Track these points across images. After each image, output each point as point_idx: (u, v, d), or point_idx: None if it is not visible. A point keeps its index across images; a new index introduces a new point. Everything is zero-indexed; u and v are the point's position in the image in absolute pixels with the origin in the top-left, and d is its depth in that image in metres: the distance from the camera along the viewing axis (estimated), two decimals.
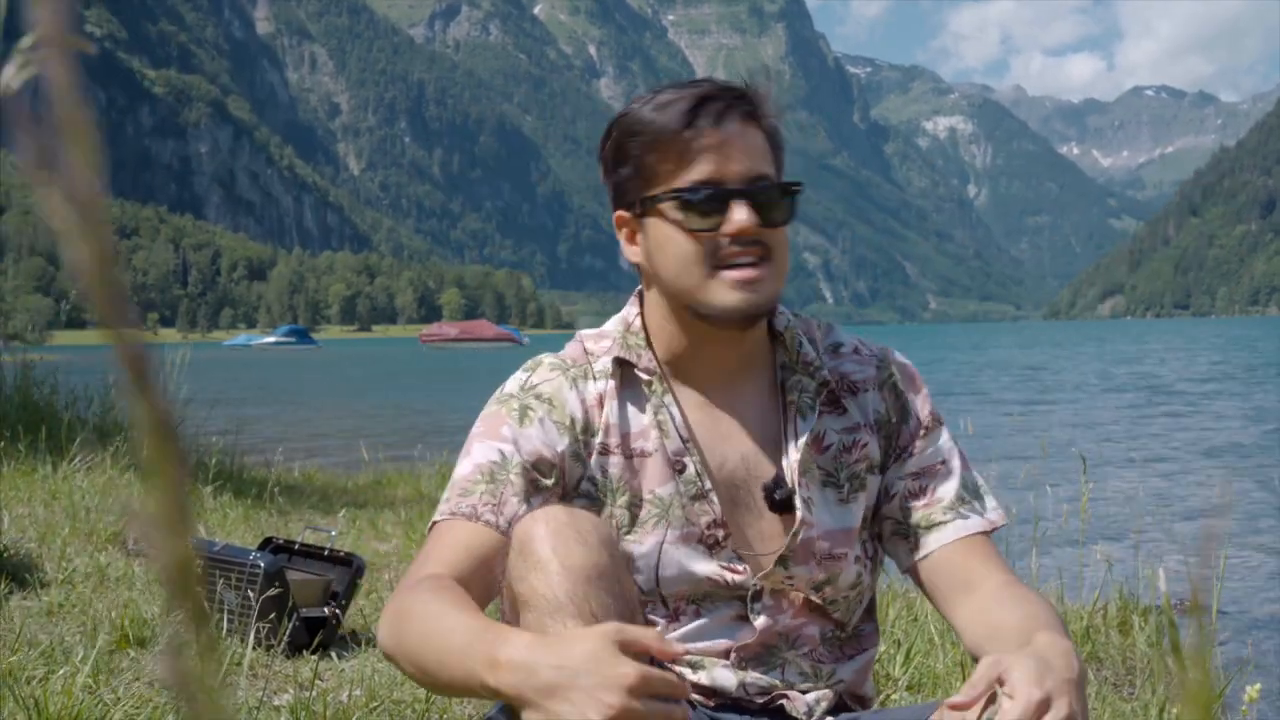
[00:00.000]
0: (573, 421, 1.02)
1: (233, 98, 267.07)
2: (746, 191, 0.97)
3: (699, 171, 0.98)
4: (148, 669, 1.68)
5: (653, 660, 0.83)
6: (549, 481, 1.00)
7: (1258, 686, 1.67)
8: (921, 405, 1.08)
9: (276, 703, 1.62)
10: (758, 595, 1.02)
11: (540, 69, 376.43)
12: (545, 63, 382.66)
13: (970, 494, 1.07)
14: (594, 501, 1.01)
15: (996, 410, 11.56)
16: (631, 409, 1.03)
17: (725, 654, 1.02)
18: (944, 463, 1.07)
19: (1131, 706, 1.91)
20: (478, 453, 1.00)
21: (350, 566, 2.16)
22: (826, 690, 1.04)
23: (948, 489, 1.06)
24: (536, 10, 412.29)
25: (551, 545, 0.86)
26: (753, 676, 1.02)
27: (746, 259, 0.98)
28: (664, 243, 1.00)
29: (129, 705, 1.44)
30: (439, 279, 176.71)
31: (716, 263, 0.98)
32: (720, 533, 1.01)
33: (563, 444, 1.01)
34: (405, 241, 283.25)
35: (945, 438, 1.08)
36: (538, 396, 1.02)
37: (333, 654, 1.99)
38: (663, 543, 1.00)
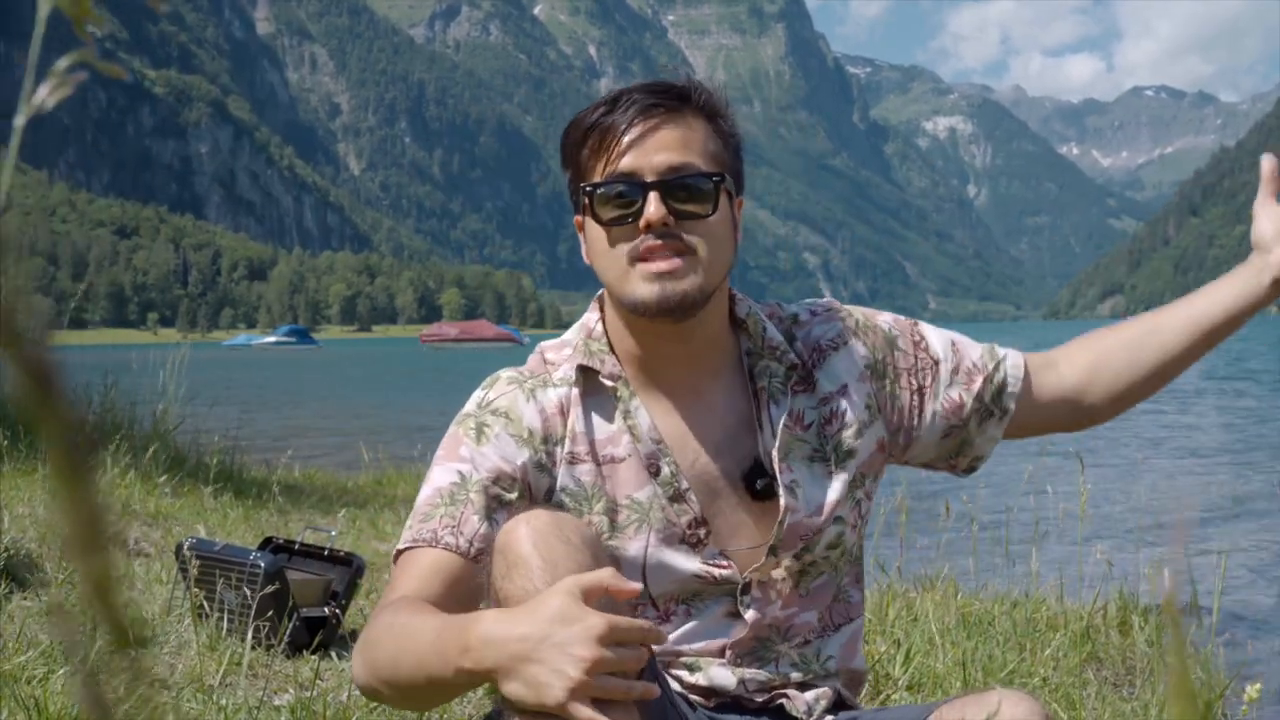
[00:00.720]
0: (530, 433, 1.00)
1: (233, 98, 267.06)
2: (658, 184, 0.95)
3: (617, 164, 0.96)
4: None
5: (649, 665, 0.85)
6: (512, 496, 0.98)
7: (1258, 686, 1.67)
8: (896, 323, 1.09)
9: (277, 702, 1.62)
10: (746, 589, 1.01)
11: (540, 69, 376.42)
12: (545, 63, 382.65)
13: (982, 344, 1.11)
14: (569, 512, 1.00)
15: None
16: (597, 416, 1.02)
17: (720, 652, 1.01)
18: (951, 343, 1.09)
19: (1131, 706, 1.91)
20: (437, 476, 0.99)
21: (350, 566, 2.16)
22: (825, 689, 1.04)
23: (974, 354, 1.09)
24: (536, 11, 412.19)
25: (533, 543, 0.86)
26: (750, 673, 1.01)
27: (658, 253, 0.96)
28: (593, 239, 1.00)
29: (130, 705, 1.67)
30: (439, 279, 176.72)
31: (635, 255, 0.96)
32: (702, 531, 1.01)
33: (522, 456, 0.99)
34: (405, 241, 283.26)
35: (931, 327, 1.11)
36: (494, 412, 1.01)
37: (333, 654, 1.99)
38: (646, 546, 0.99)
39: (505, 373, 1.04)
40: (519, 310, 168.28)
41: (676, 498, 1.00)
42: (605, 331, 1.04)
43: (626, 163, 0.96)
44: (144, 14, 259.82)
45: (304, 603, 2.03)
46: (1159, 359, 1.07)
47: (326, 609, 2.07)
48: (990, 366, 1.08)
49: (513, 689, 0.79)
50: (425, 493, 0.99)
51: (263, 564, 1.97)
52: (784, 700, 1.02)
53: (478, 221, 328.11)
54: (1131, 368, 1.07)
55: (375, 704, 1.63)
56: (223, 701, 1.54)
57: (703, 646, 1.01)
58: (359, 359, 44.21)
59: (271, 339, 70.09)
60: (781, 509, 1.01)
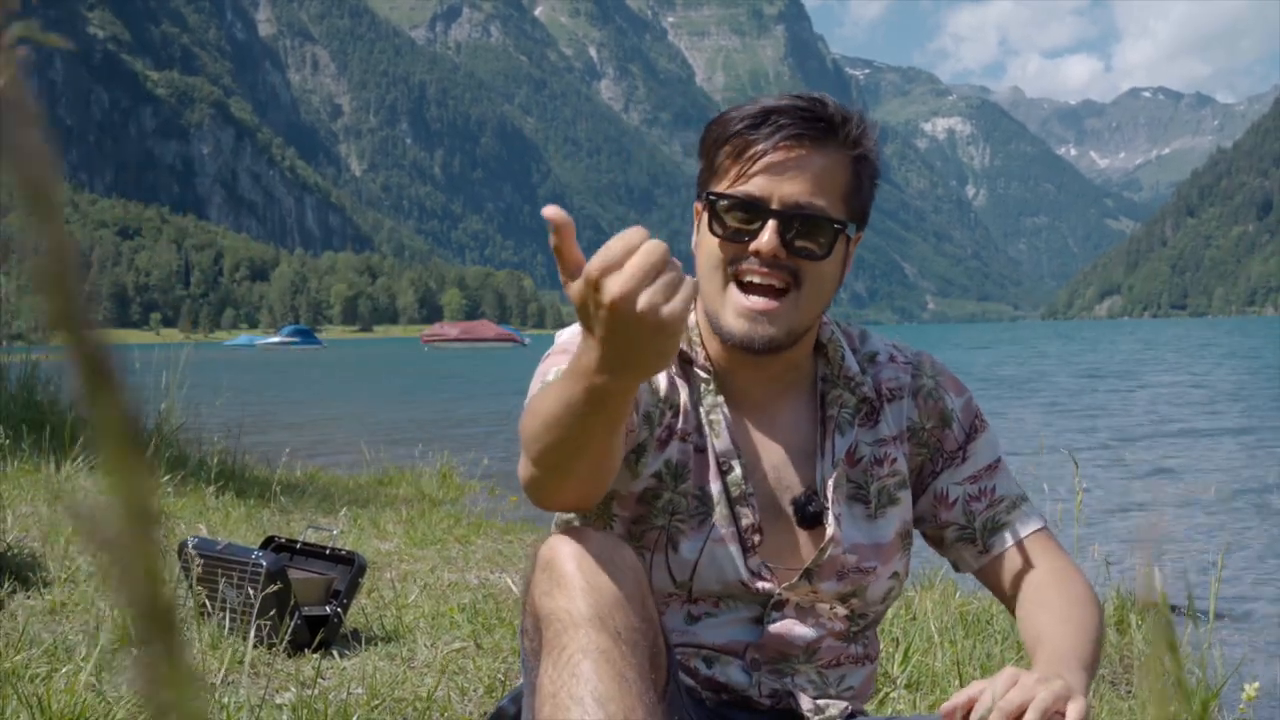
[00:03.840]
0: (657, 389, 1.01)
1: (235, 99, 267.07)
2: (780, 214, 0.95)
3: (748, 181, 0.96)
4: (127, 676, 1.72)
5: (669, 653, 0.87)
6: (635, 418, 0.98)
7: (1256, 685, 1.67)
8: (964, 408, 1.07)
9: (278, 701, 1.62)
10: (780, 605, 1.01)
11: (541, 71, 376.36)
12: (546, 64, 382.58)
13: (1021, 490, 1.08)
14: (661, 482, 1.00)
15: (999, 407, 11.58)
16: (693, 404, 1.03)
17: (741, 653, 1.01)
18: (998, 461, 1.07)
19: (1129, 705, 1.92)
20: (554, 361, 0.97)
21: (352, 565, 2.17)
22: (842, 702, 1.04)
23: (1006, 488, 1.07)
24: (537, 12, 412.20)
25: (576, 562, 0.86)
26: (766, 679, 1.01)
27: (764, 281, 0.96)
28: (702, 240, 1.01)
29: (132, 703, 1.44)
30: (440, 279, 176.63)
31: (735, 274, 0.97)
32: (756, 538, 1.01)
33: (645, 398, 0.99)
34: (407, 242, 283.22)
35: (992, 436, 1.08)
36: None
37: (334, 652, 1.99)
38: (707, 539, 1.00)
39: None
40: (519, 310, 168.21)
41: (741, 499, 1.01)
42: (699, 324, 1.04)
43: (757, 184, 0.96)
44: (147, 16, 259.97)
45: (306, 601, 2.04)
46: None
47: (328, 608, 2.07)
48: (1004, 502, 1.07)
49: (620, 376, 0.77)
50: (543, 368, 0.98)
51: (265, 563, 1.98)
52: (792, 702, 1.02)
53: (479, 222, 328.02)
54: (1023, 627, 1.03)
55: (376, 702, 1.65)
56: (225, 700, 1.54)
57: (725, 644, 1.01)
58: (361, 359, 44.21)
59: (276, 339, 70.05)
60: (826, 537, 1.01)
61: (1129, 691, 2.07)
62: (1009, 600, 1.05)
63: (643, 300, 0.72)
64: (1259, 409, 11.87)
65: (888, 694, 1.80)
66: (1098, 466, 6.85)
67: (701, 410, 1.02)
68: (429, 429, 10.48)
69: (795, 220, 0.95)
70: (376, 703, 1.65)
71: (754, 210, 0.95)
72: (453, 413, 13.51)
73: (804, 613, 1.01)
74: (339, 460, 6.35)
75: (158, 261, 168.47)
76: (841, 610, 1.02)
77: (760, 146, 0.96)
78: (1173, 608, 2.48)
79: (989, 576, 1.07)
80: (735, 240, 0.96)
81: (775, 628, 1.01)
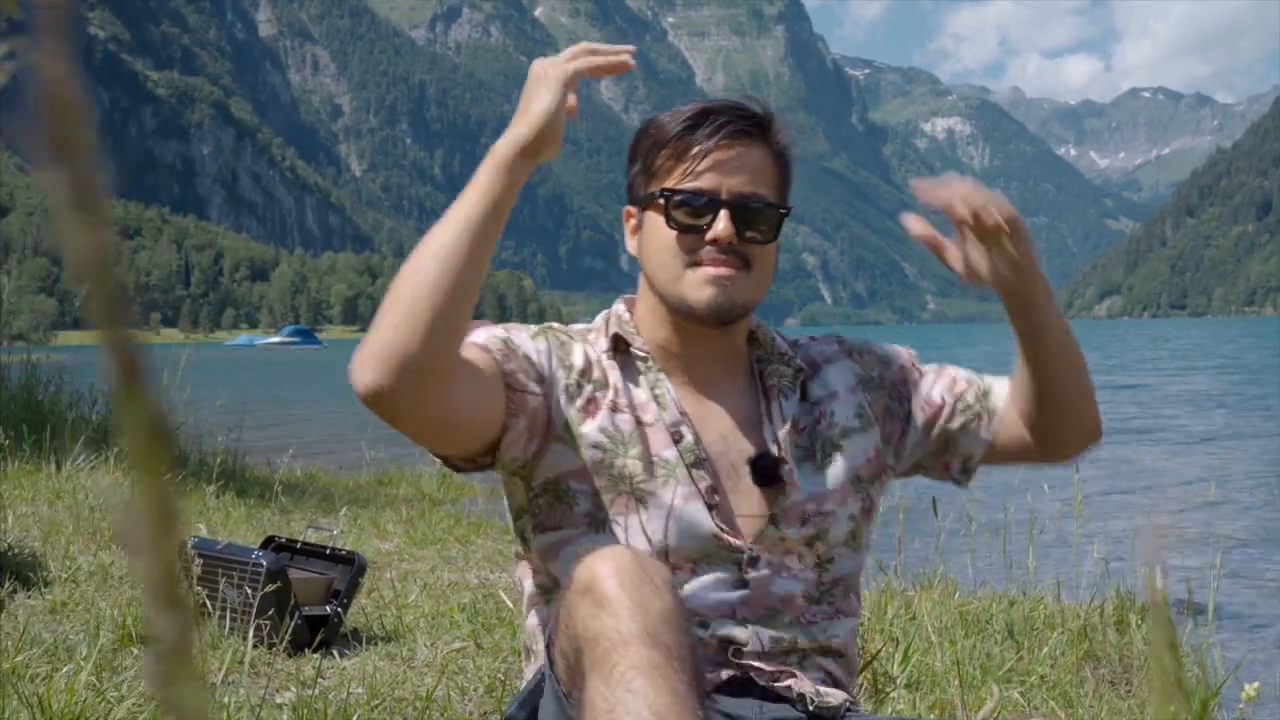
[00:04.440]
0: (572, 366, 1.08)
1: (235, 99, 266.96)
2: (733, 205, 1.05)
3: (696, 177, 1.06)
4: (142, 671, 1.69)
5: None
6: (533, 387, 1.04)
7: (1256, 685, 1.68)
8: (891, 349, 1.19)
9: (278, 701, 1.62)
10: (754, 561, 1.06)
11: None
12: None
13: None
14: (606, 452, 1.06)
15: None
16: (629, 383, 1.10)
17: (731, 614, 1.06)
18: (942, 365, 1.20)
19: (1129, 705, 1.92)
20: (489, 330, 1.06)
21: (352, 565, 2.17)
22: (841, 693, 1.07)
23: (962, 372, 1.19)
24: (537, 13, 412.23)
25: (619, 582, 0.87)
26: (763, 630, 1.05)
27: (718, 262, 1.06)
28: (653, 235, 1.09)
29: (132, 703, 1.45)
30: None
31: (694, 261, 1.06)
32: (716, 498, 1.07)
33: (558, 375, 1.06)
34: (407, 242, 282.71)
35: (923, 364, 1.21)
36: (549, 329, 1.10)
37: (334, 652, 1.99)
38: (674, 498, 1.05)
39: (556, 325, 1.13)
40: (519, 310, 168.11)
41: (696, 464, 1.07)
42: (634, 320, 1.13)
43: (706, 179, 1.05)
44: (147, 16, 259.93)
45: (306, 601, 2.04)
46: (1047, 385, 1.11)
47: (328, 607, 2.07)
48: (977, 379, 1.18)
49: (521, 128, 0.96)
50: (477, 335, 1.05)
51: (265, 563, 1.98)
52: (791, 680, 1.04)
53: None
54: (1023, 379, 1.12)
55: (377, 702, 1.63)
56: (225, 700, 1.54)
57: (713, 606, 1.05)
58: None
59: (276, 339, 69.97)
60: (786, 484, 1.08)
61: (1129, 691, 2.06)
62: (1033, 429, 1.13)
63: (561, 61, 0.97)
64: (1259, 408, 11.86)
65: (888, 694, 1.80)
66: (1098, 466, 6.85)
67: (644, 386, 1.09)
68: None
69: (744, 209, 1.05)
70: (376, 703, 1.66)
71: (707, 202, 1.05)
72: None
73: (777, 567, 1.07)
74: (339, 460, 6.35)
75: (158, 261, 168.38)
76: (810, 558, 1.08)
77: (704, 144, 1.05)
78: (1172, 607, 2.48)
79: (1004, 433, 1.15)
80: (691, 232, 1.06)
81: (755, 582, 1.06)
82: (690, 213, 1.06)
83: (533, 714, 1.01)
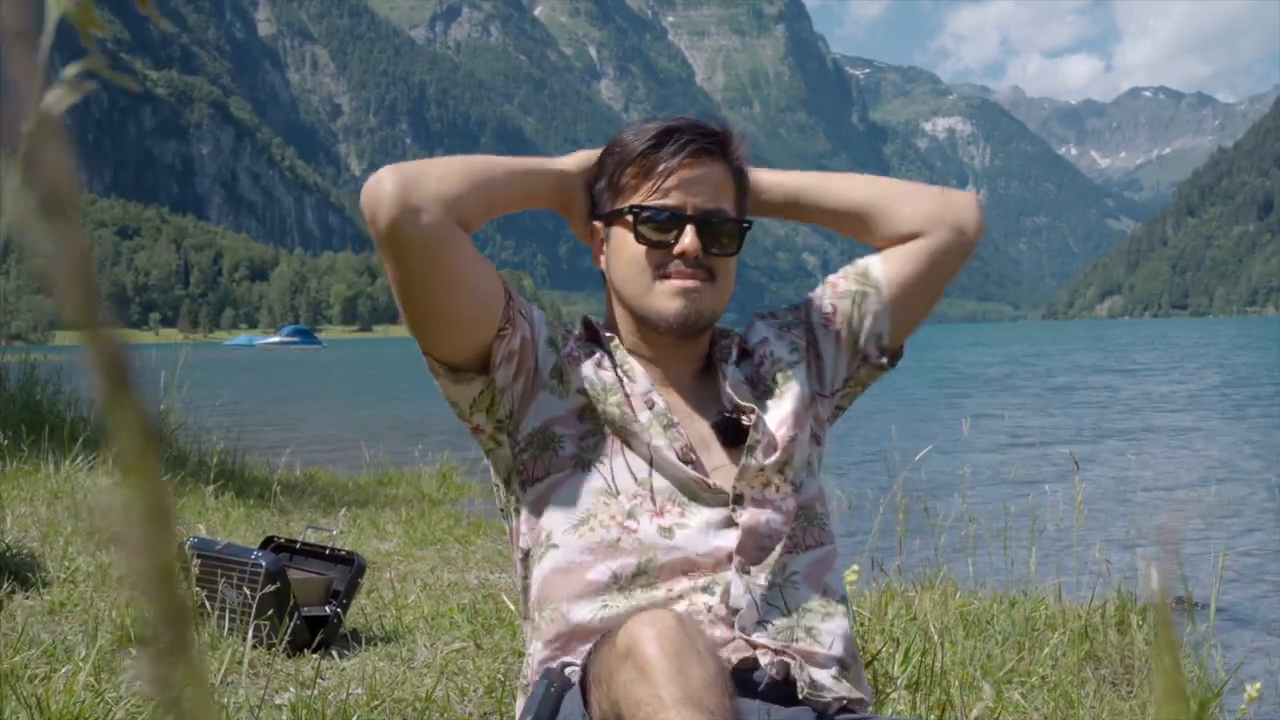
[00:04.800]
0: (553, 324, 1.18)
1: (234, 99, 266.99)
2: (699, 220, 1.12)
3: (663, 194, 1.12)
4: (133, 674, 1.66)
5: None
6: (528, 316, 1.14)
7: (1257, 685, 1.67)
8: (803, 298, 1.27)
9: (278, 701, 1.62)
10: (739, 499, 1.11)
11: (541, 70, 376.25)
12: (546, 64, 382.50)
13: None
14: (591, 397, 1.13)
15: (999, 407, 11.57)
16: (599, 364, 1.17)
17: (728, 559, 1.08)
18: (825, 279, 1.28)
19: (1130, 705, 1.92)
20: None
21: (351, 565, 2.17)
22: (845, 686, 1.08)
23: (835, 275, 1.27)
24: (537, 12, 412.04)
25: (660, 647, 0.88)
26: (757, 583, 1.08)
27: (685, 275, 1.12)
28: (620, 249, 1.15)
29: (131, 703, 1.45)
30: None
31: (661, 274, 1.12)
32: (692, 456, 1.13)
33: (541, 328, 1.16)
34: None
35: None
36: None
37: (334, 652, 1.99)
38: (655, 441, 1.11)
39: None
40: None
41: (669, 425, 1.13)
42: (606, 322, 1.22)
43: (672, 196, 1.12)
44: (145, 15, 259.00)
45: (305, 602, 2.04)
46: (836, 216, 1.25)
47: (327, 608, 2.07)
48: (852, 266, 1.25)
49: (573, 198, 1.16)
50: None
51: (264, 563, 1.97)
52: (790, 661, 1.05)
53: None
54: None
55: (376, 703, 1.64)
56: (224, 700, 1.55)
57: (709, 552, 1.08)
58: (361, 359, 44.17)
59: (275, 339, 69.93)
60: (753, 420, 1.14)
61: (1130, 692, 2.06)
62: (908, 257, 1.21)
63: None
64: (1258, 408, 11.86)
65: (888, 694, 1.80)
66: (1098, 465, 6.84)
67: (616, 362, 1.16)
68: (429, 429, 10.47)
69: (709, 224, 1.12)
70: (376, 703, 1.66)
71: (674, 217, 1.11)
72: (453, 413, 13.44)
73: (760, 503, 1.11)
74: (339, 460, 6.35)
75: (157, 261, 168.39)
76: (785, 486, 1.13)
77: (669, 163, 1.12)
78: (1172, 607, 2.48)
79: (896, 279, 1.21)
80: (659, 246, 1.12)
81: (745, 522, 1.09)
82: (658, 228, 1.11)
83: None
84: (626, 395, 1.13)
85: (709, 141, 1.13)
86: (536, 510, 1.12)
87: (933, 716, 1.76)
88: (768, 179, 1.22)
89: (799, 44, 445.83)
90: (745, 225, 1.16)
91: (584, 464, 1.10)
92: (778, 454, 1.13)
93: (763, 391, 1.19)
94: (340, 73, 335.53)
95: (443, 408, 1.13)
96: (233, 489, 3.82)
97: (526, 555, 1.14)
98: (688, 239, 1.11)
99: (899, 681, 1.85)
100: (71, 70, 0.21)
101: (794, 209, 1.23)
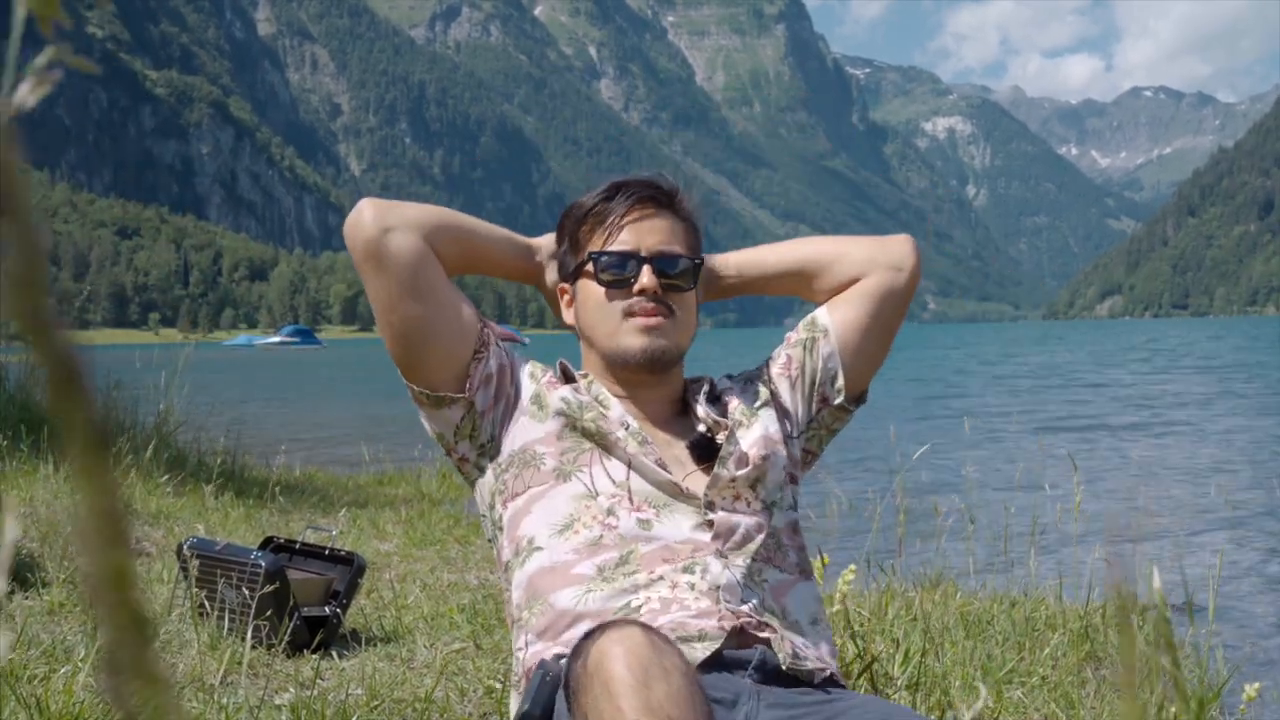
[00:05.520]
0: (532, 368, 1.27)
1: (234, 99, 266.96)
2: (652, 260, 1.22)
3: (617, 242, 1.22)
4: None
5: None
6: (503, 351, 1.23)
7: (1257, 685, 1.68)
8: (773, 353, 1.35)
9: (277, 702, 1.63)
10: (710, 505, 1.17)
11: (541, 70, 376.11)
12: (546, 64, 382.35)
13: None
14: (569, 416, 1.20)
15: (997, 408, 11.57)
16: (579, 390, 1.25)
17: (704, 547, 1.14)
18: (786, 339, 1.35)
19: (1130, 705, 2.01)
20: None
21: (351, 565, 2.17)
22: (821, 663, 1.11)
23: (793, 335, 1.34)
24: (537, 11, 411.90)
25: (626, 664, 0.90)
26: (734, 563, 1.13)
27: (649, 319, 1.21)
28: (587, 299, 1.24)
29: (131, 704, 1.58)
30: None
31: (627, 313, 1.21)
32: (665, 467, 1.19)
33: (521, 363, 1.26)
34: None
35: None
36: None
37: (334, 653, 1.99)
38: (631, 450, 1.19)
39: None
40: (519, 310, 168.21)
41: (643, 443, 1.20)
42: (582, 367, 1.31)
43: (626, 239, 1.22)
44: (145, 15, 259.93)
45: (305, 602, 2.04)
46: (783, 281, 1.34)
47: (327, 608, 2.07)
48: (801, 323, 1.34)
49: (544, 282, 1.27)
50: None
51: (264, 563, 1.97)
52: (770, 635, 1.09)
53: None
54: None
55: (376, 703, 1.64)
56: (224, 701, 1.55)
57: (685, 540, 1.13)
58: (361, 359, 44.19)
59: (276, 339, 69.88)
60: (723, 439, 1.22)
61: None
62: (846, 310, 1.30)
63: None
64: (1258, 408, 11.85)
65: (888, 695, 1.81)
66: (1099, 466, 6.84)
67: (593, 394, 1.24)
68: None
69: (662, 262, 1.22)
70: (376, 704, 1.66)
71: (630, 259, 1.21)
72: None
73: (731, 511, 1.17)
74: (339, 460, 6.34)
75: (156, 261, 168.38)
76: (755, 502, 1.18)
77: (619, 211, 1.23)
78: (1172, 607, 2.48)
79: (844, 326, 1.30)
80: (620, 286, 1.21)
81: (718, 520, 1.15)
82: (617, 270, 1.21)
83: (546, 713, 1.02)
84: (603, 413, 1.20)
85: (655, 192, 1.24)
86: (516, 522, 1.17)
87: (933, 717, 1.76)
88: (719, 261, 1.32)
89: (799, 44, 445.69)
90: (698, 263, 1.24)
91: (564, 475, 1.16)
92: (748, 469, 1.18)
93: (734, 423, 1.25)
94: (340, 72, 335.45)
95: None
96: (232, 489, 3.82)
97: (508, 566, 1.18)
98: (645, 277, 1.19)
99: (899, 681, 1.85)
100: (39, 61, 0.21)
101: (744, 284, 1.32)
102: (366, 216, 1.16)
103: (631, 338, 1.20)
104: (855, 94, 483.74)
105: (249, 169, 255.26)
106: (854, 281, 1.29)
